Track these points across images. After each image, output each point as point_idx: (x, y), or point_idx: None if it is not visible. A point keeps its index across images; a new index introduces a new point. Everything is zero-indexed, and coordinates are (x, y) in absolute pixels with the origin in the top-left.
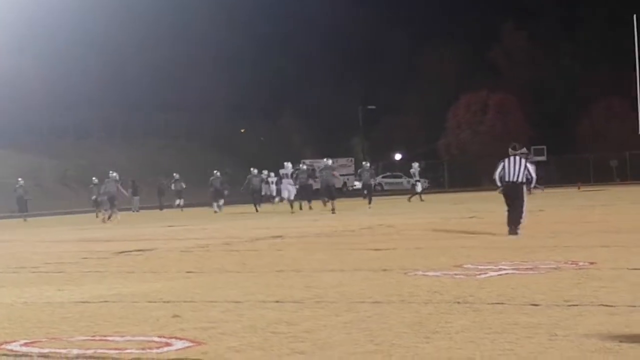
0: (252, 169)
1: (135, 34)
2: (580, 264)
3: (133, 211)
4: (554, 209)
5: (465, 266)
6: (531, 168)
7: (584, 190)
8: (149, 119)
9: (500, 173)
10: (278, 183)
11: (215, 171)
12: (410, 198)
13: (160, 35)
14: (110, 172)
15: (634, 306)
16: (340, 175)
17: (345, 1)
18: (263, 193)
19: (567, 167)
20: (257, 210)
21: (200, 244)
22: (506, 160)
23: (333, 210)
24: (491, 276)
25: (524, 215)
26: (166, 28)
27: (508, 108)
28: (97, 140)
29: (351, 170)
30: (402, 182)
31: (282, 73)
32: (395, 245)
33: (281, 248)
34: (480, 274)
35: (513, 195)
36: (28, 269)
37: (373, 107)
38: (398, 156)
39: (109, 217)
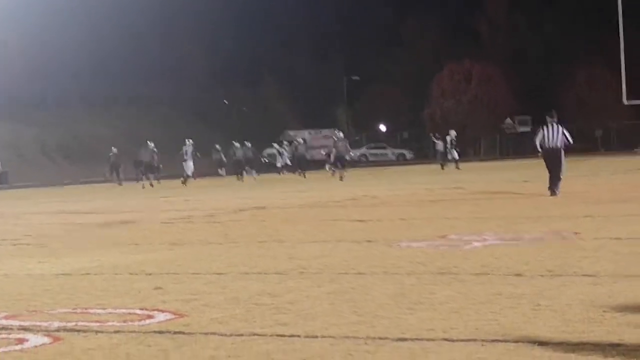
0: (233, 142)
1: (115, 2)
2: (564, 234)
3: (116, 183)
4: (538, 180)
5: (449, 237)
6: (567, 134)
7: (568, 161)
8: (129, 88)
9: (540, 140)
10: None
11: (234, 142)
12: (443, 166)
13: (140, 3)
14: (148, 141)
15: (617, 276)
16: (325, 146)
17: None
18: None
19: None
20: (241, 180)
21: (182, 215)
22: (545, 127)
23: (341, 177)
24: (475, 247)
25: (562, 177)
26: None
27: (491, 77)
28: (77, 110)
29: None
30: (386, 154)
31: (263, 42)
32: (379, 216)
33: (264, 219)
34: (464, 245)
35: (553, 159)
36: (9, 242)
37: (357, 77)
38: (383, 127)
39: (152, 183)
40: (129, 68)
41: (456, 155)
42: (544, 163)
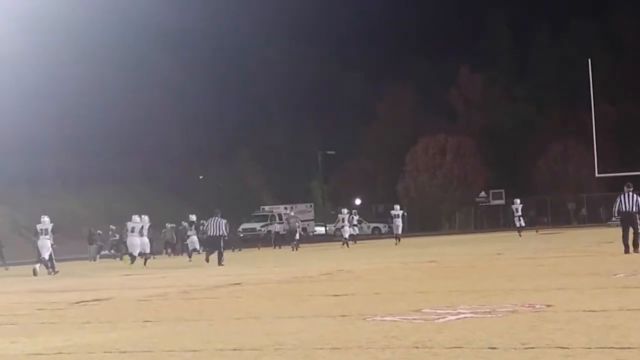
0: (166, 223)
1: (87, 78)
2: (537, 306)
3: (90, 260)
4: (511, 252)
5: (423, 310)
6: None
7: (542, 233)
8: (103, 164)
9: (619, 207)
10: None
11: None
12: (520, 232)
13: (114, 79)
14: (167, 223)
15: (589, 348)
16: (301, 220)
17: (302, 44)
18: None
19: (525, 210)
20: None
21: (158, 292)
22: (622, 195)
23: (295, 248)
24: (450, 320)
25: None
26: (120, 72)
27: (465, 151)
28: (51, 188)
29: (311, 215)
30: (362, 228)
31: (239, 117)
32: (354, 290)
33: (240, 295)
34: (438, 319)
35: (629, 222)
36: None
37: (332, 152)
38: (358, 201)
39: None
40: (103, 145)
41: (521, 223)
42: (621, 225)
